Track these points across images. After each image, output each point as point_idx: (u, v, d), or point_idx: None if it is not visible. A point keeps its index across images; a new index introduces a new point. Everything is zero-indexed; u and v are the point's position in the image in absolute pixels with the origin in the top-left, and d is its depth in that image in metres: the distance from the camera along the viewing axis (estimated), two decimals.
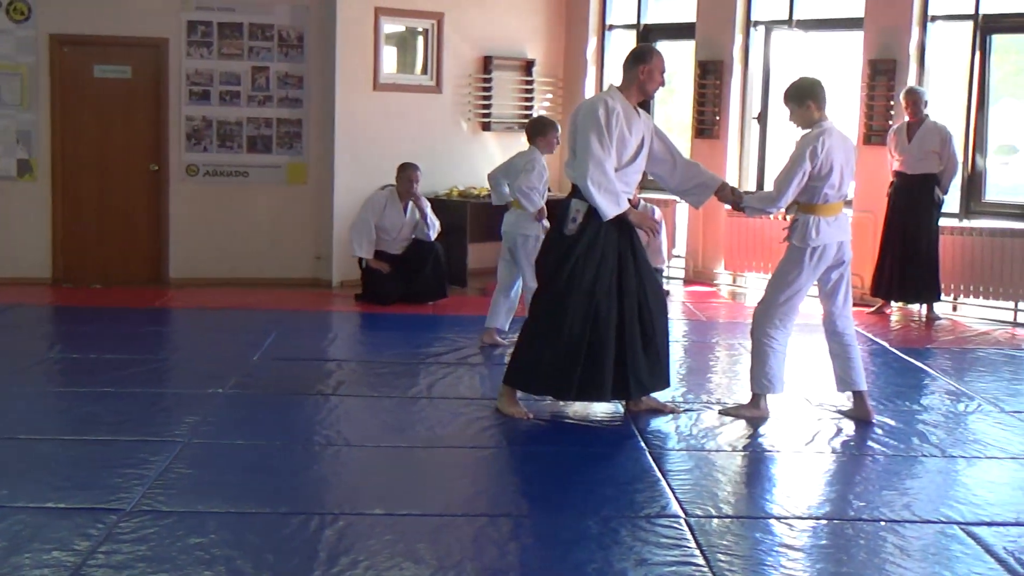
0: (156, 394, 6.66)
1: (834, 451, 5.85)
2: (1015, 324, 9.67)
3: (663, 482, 5.23)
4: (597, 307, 6.00)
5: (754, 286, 11.14)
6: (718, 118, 11.25)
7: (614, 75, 12.38)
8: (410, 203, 9.85)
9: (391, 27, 11.04)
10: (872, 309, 9.94)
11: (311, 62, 10.61)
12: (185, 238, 10.57)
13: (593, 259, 6.01)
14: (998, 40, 10.02)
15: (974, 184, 10.06)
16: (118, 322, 8.76)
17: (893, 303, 10.01)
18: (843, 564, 4.40)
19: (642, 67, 6.06)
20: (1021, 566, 4.35)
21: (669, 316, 6.54)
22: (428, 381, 7.07)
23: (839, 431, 6.16)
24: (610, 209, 5.92)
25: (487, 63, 11.59)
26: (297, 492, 5.00)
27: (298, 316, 9.23)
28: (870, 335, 8.90)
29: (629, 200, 6.15)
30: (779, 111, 10.99)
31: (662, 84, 6.17)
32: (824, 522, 4.81)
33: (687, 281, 11.47)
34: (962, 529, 4.73)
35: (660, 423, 6.20)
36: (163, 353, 7.96)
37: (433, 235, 9.93)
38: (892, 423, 6.34)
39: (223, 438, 5.79)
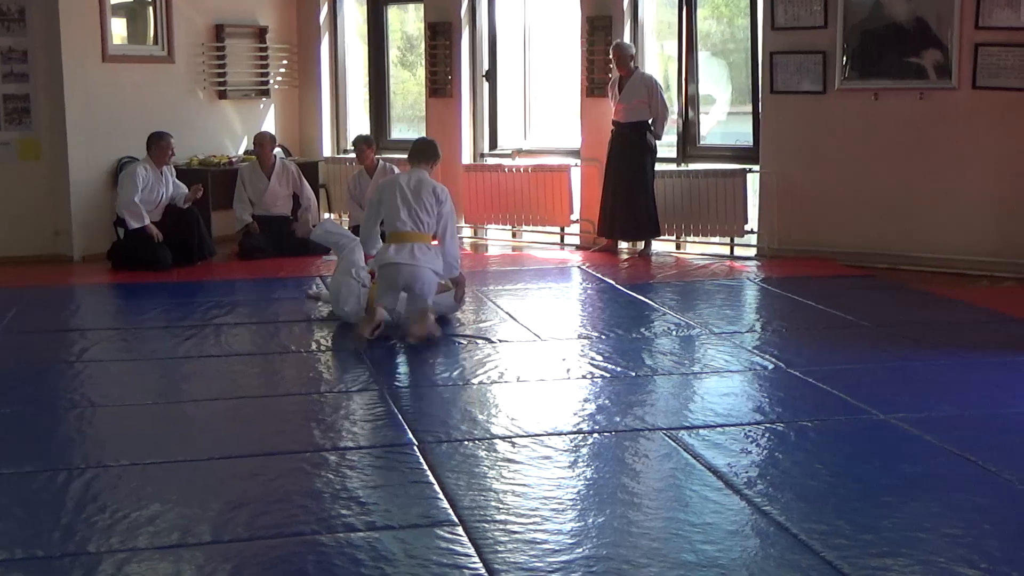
0: None
1: (557, 378, 6.32)
2: (732, 257, 10.50)
3: (398, 416, 5.57)
4: None
5: (495, 238, 11.72)
6: (450, 78, 11.64)
7: (348, 41, 12.64)
8: (165, 169, 9.98)
9: None
10: (599, 247, 10.62)
11: (35, 35, 10.37)
12: None
13: None
14: None
15: (688, 131, 10.80)
16: None
17: (621, 244, 10.69)
18: (562, 470, 4.86)
19: None
20: (727, 456, 4.91)
21: None
22: (174, 343, 7.21)
23: (564, 359, 6.67)
24: None
25: (219, 31, 11.62)
26: (43, 452, 5.11)
27: (39, 291, 9.11)
28: (598, 275, 9.51)
29: None
30: (507, 69, 11.55)
31: None
32: (545, 437, 5.24)
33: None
34: (666, 435, 5.25)
35: (397, 362, 6.56)
36: None
37: (183, 201, 10.13)
38: (613, 350, 6.89)
39: None
